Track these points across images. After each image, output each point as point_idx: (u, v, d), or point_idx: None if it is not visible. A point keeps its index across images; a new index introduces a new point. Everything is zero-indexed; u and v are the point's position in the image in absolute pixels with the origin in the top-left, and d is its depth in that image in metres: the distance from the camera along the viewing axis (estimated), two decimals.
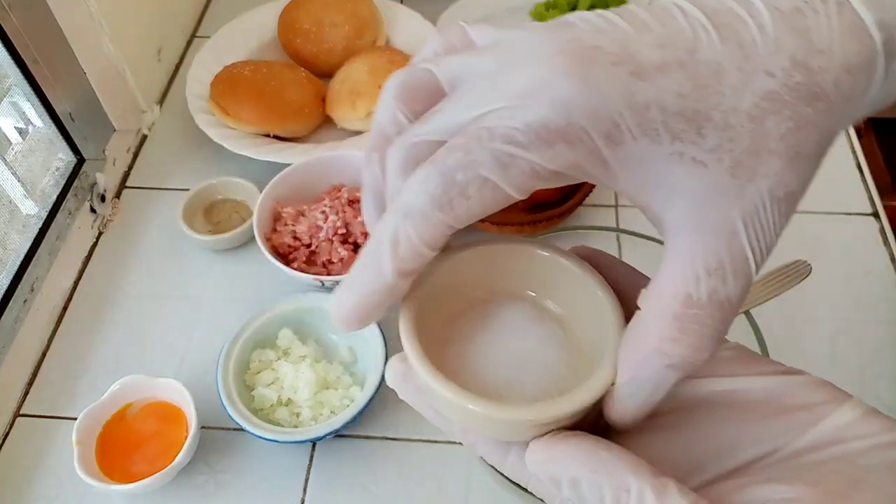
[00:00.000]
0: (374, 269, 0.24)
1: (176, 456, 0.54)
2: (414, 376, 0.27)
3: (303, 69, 0.81)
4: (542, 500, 0.47)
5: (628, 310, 0.26)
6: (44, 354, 0.65)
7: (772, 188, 0.23)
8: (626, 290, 0.28)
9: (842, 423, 0.25)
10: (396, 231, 0.24)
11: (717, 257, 0.23)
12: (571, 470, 0.24)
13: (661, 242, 0.61)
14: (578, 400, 0.25)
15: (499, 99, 0.23)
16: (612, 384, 0.25)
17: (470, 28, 0.26)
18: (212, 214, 0.73)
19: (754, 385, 0.27)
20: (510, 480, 0.48)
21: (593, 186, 0.68)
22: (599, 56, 0.22)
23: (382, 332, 0.59)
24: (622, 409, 0.25)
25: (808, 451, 0.25)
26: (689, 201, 0.23)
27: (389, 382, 0.28)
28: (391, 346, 0.60)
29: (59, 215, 0.69)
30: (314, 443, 0.59)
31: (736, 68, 0.22)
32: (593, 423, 0.27)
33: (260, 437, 0.55)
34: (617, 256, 0.66)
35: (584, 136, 0.22)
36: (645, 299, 0.25)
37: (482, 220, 0.67)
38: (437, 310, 0.28)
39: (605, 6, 0.88)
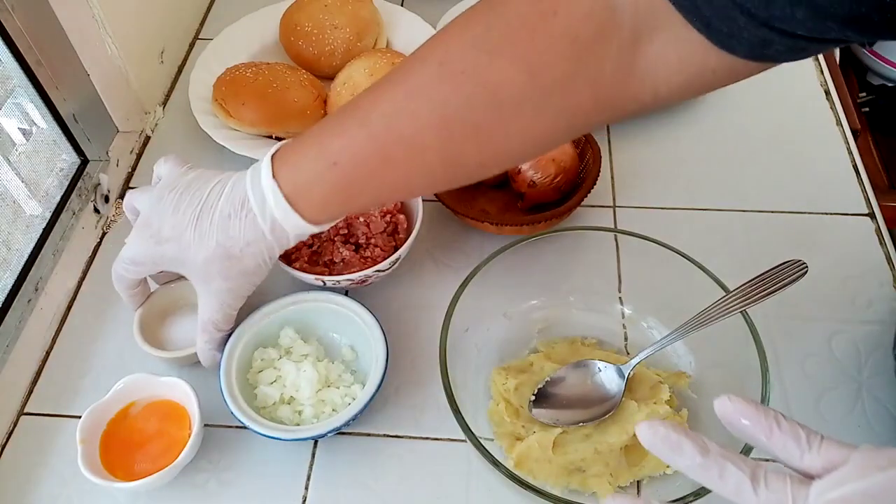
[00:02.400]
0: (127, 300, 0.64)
1: (179, 454, 0.55)
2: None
3: (304, 71, 0.81)
4: (547, 498, 0.48)
5: None
6: (48, 353, 0.66)
7: (217, 290, 0.55)
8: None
9: None
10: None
11: (209, 314, 0.57)
12: None
13: (659, 243, 0.61)
14: None
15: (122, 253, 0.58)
16: None
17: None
18: None
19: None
20: (511, 479, 0.49)
21: (592, 187, 0.69)
22: (145, 232, 0.55)
23: (383, 332, 0.59)
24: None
25: None
26: (197, 290, 0.57)
27: None
28: (392, 346, 0.60)
29: (62, 216, 0.70)
30: (316, 440, 0.59)
31: (193, 244, 0.53)
32: None
33: (262, 435, 0.55)
34: (616, 258, 0.66)
35: (144, 263, 0.57)
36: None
37: (482, 221, 0.68)
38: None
39: None
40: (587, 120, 0.47)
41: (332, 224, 0.53)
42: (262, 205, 0.49)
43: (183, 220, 0.52)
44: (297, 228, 0.50)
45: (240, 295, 0.56)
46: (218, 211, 0.51)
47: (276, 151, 0.50)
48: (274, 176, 0.49)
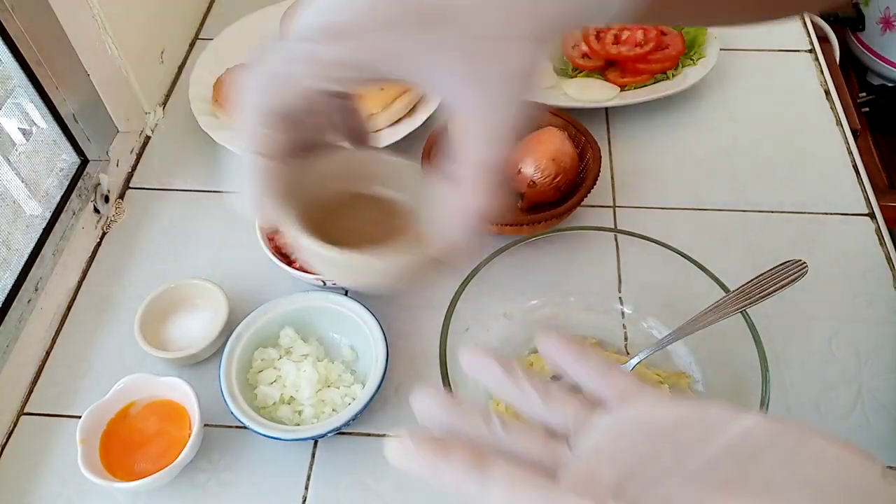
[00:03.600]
0: (249, 161, 0.32)
1: (179, 454, 0.55)
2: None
3: None
4: None
5: None
6: (48, 353, 0.66)
7: (503, 66, 0.28)
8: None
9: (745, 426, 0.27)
10: (245, 123, 0.31)
11: (489, 130, 0.29)
12: None
13: (659, 243, 0.61)
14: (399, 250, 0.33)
15: (299, 21, 0.29)
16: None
17: None
18: None
19: (670, 411, 0.29)
20: None
21: (592, 187, 0.69)
22: None
23: (383, 332, 0.59)
24: (447, 244, 0.31)
25: (719, 455, 0.27)
26: (452, 89, 0.29)
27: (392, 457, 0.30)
28: (392, 346, 0.60)
29: (62, 216, 0.70)
30: (316, 440, 0.59)
31: None
32: None
33: (262, 435, 0.55)
34: (616, 258, 0.66)
35: (359, 28, 0.28)
36: (450, 167, 0.30)
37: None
38: (308, 210, 0.35)
39: None
40: None
41: None
42: None
43: None
44: None
45: (519, 96, 0.29)
46: None
47: None
48: None
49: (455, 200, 0.30)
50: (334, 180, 0.37)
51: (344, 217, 0.37)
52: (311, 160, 0.36)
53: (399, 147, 0.74)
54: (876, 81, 1.32)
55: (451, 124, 0.30)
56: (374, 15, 0.28)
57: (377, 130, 0.77)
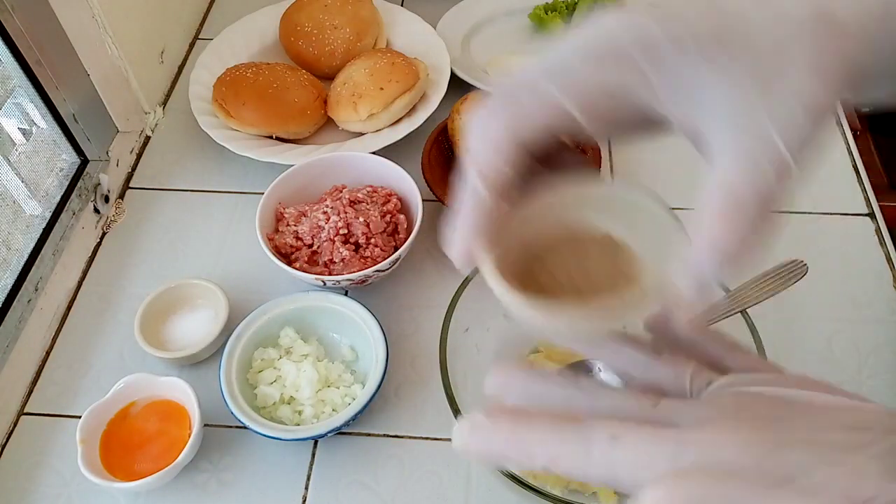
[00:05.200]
0: (470, 195, 0.29)
1: (179, 454, 0.55)
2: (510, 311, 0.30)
3: (304, 71, 0.81)
4: (547, 498, 0.48)
5: None
6: (48, 353, 0.66)
7: (797, 94, 0.25)
8: None
9: None
10: (479, 152, 0.29)
11: (754, 154, 0.26)
12: None
13: None
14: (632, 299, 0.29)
15: (555, 44, 0.28)
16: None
17: None
18: None
19: (824, 399, 0.27)
20: (510, 479, 0.49)
21: None
22: (637, 5, 0.27)
23: (383, 332, 0.59)
24: (684, 301, 0.28)
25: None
26: (723, 110, 0.26)
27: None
28: (392, 346, 0.60)
29: (62, 216, 0.70)
30: (316, 440, 0.59)
31: (756, 8, 0.26)
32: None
33: (262, 435, 0.55)
34: None
35: (626, 52, 0.26)
36: (697, 202, 0.28)
37: None
38: (518, 249, 0.32)
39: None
40: None
41: None
42: None
43: None
44: None
45: (797, 140, 0.26)
46: None
47: None
48: None
49: (696, 247, 0.28)
50: (548, 221, 0.33)
51: (556, 263, 0.33)
52: (527, 198, 0.32)
53: (399, 147, 0.74)
54: None
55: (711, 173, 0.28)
56: (649, 34, 0.26)
57: (377, 130, 0.77)
